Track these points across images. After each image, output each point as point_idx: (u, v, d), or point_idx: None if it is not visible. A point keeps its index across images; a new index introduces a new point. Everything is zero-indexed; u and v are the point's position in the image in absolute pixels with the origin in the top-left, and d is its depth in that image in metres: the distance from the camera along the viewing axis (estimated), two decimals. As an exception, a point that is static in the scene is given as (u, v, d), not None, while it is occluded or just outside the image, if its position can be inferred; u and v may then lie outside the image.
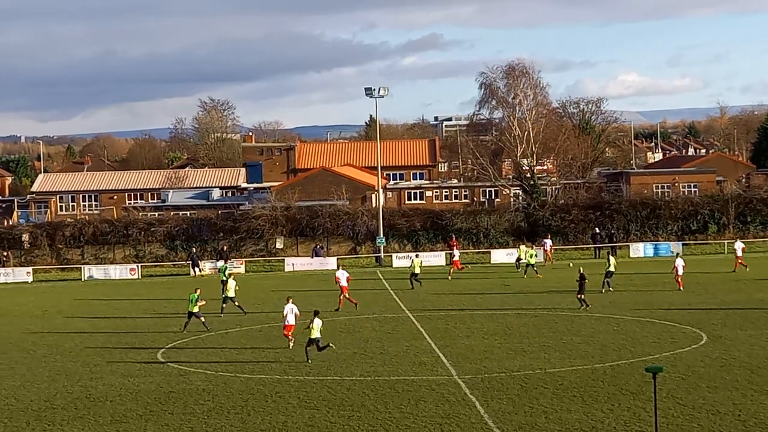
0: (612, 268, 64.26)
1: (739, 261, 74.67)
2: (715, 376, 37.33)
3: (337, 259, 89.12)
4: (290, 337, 46.95)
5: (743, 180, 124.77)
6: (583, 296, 56.13)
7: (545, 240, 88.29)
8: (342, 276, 61.61)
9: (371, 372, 40.57)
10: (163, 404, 36.08)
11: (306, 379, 39.60)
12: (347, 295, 60.46)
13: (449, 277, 75.27)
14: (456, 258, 79.95)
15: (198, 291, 53.36)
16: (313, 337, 43.37)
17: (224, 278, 65.41)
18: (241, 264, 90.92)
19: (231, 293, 59.34)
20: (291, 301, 48.49)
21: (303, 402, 35.57)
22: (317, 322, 43.72)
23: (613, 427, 30.68)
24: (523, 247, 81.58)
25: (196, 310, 52.33)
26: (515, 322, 52.47)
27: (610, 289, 63.14)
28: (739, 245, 77.33)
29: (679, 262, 64.34)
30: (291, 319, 47.29)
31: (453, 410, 33.46)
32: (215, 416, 33.96)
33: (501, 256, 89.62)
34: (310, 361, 42.96)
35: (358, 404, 34.88)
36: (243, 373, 41.31)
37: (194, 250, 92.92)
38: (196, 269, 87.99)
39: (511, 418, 32.10)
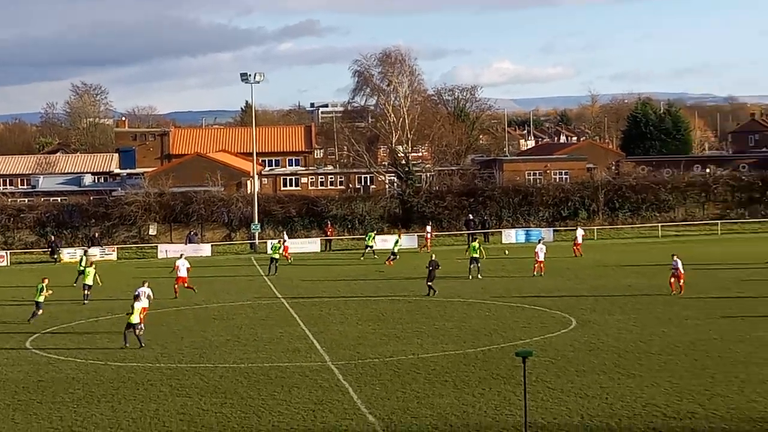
0: (476, 255, 64.60)
1: (577, 248, 76.29)
2: (584, 360, 38.01)
3: (182, 249, 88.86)
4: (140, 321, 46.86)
5: (613, 167, 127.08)
6: (431, 283, 56.53)
7: (427, 227, 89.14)
8: (182, 265, 61.33)
9: (244, 359, 40.42)
10: (31, 393, 35.45)
11: (178, 367, 39.28)
12: (186, 285, 60.16)
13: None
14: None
15: (46, 281, 52.57)
16: (132, 321, 43.49)
17: (80, 268, 64.68)
18: (113, 251, 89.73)
19: (89, 281, 58.68)
20: (146, 284, 49.42)
21: (175, 390, 35.28)
22: (138, 306, 44.11)
23: (484, 411, 31.05)
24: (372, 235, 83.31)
25: (41, 299, 51.37)
26: (389, 308, 52.72)
27: (479, 276, 63.60)
28: (579, 232, 79.37)
29: (540, 248, 65.28)
30: (145, 302, 47.59)
31: (326, 396, 33.52)
32: (85, 405, 33.48)
33: (376, 242, 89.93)
34: (127, 344, 43.21)
35: (231, 391, 34.72)
36: (114, 361, 40.81)
37: (52, 237, 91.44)
38: (57, 255, 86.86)
39: (383, 404, 32.27)
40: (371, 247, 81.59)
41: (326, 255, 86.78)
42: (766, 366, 35.68)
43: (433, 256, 58.36)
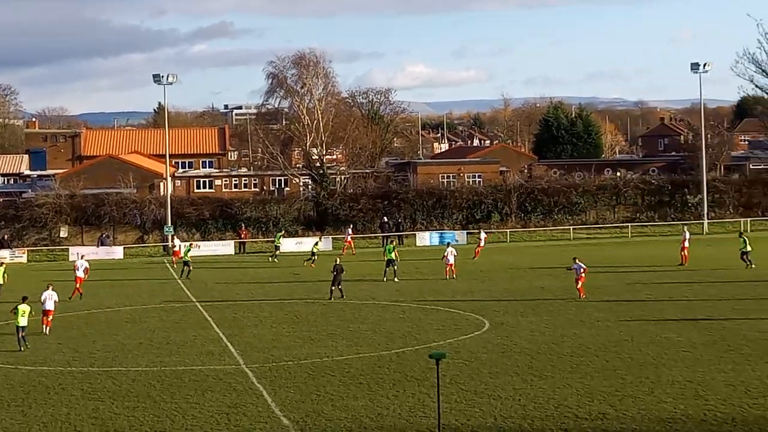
0: (393, 256, 64.71)
1: (479, 250, 77.21)
2: (497, 361, 38.32)
3: (79, 249, 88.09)
4: (47, 325, 47.16)
5: (525, 171, 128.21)
6: (334, 288, 56.32)
7: (347, 229, 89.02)
8: (80, 266, 61.13)
9: (157, 362, 40.11)
10: (-61, 398, 34.85)
11: (90, 371, 38.86)
12: (78, 286, 59.80)
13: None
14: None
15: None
16: (19, 324, 43.37)
17: None
18: (23, 253, 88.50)
19: None
20: (51, 287, 48.49)
21: (87, 393, 34.91)
22: (24, 308, 43.83)
23: (398, 413, 31.16)
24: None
25: None
26: (303, 311, 52.68)
27: (395, 279, 63.81)
28: (483, 235, 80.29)
29: (450, 251, 65.69)
30: (50, 305, 47.43)
31: (240, 399, 33.41)
32: (-5, 410, 33.01)
33: (290, 245, 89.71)
34: (23, 349, 43.04)
35: (144, 395, 34.44)
36: (24, 364, 40.26)
37: None
38: None
39: (298, 407, 32.24)
40: (278, 247, 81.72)
41: (240, 258, 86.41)
42: (675, 368, 36.27)
43: (338, 260, 58.33)
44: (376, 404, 32.24)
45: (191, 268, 69.34)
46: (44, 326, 47.23)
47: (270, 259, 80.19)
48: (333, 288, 56.32)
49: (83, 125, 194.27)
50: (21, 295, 55.74)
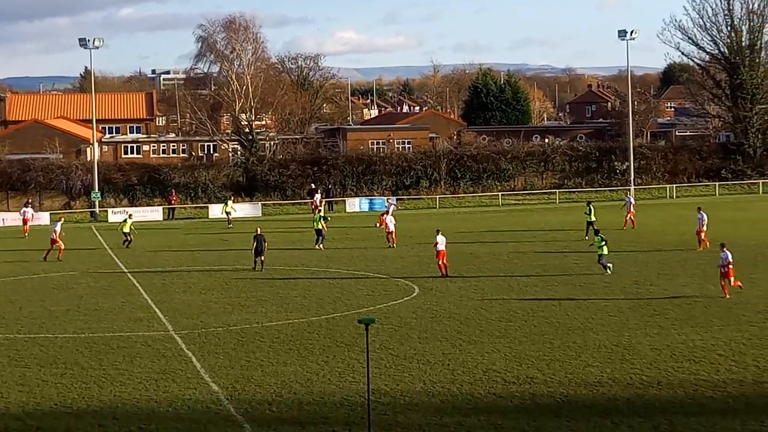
0: (319, 226, 63.98)
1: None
2: (427, 327, 38.53)
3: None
4: None
5: (455, 137, 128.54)
6: (257, 259, 54.75)
7: (316, 195, 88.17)
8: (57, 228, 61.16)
9: (85, 329, 39.83)
10: None
11: (16, 337, 38.50)
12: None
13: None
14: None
15: None
16: None
17: None
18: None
19: None
20: None
21: (13, 360, 34.60)
22: None
23: (327, 378, 31.25)
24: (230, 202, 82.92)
25: None
26: (233, 277, 52.53)
27: (319, 246, 62.94)
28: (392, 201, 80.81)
29: (390, 219, 65.10)
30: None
31: (169, 365, 33.30)
32: None
33: (219, 211, 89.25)
34: None
35: (72, 362, 34.20)
36: (-51, 332, 39.80)
37: None
38: None
39: (227, 372, 32.22)
40: (229, 213, 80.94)
41: (169, 223, 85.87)
42: (602, 332, 36.71)
43: (258, 230, 56.33)
44: (306, 370, 32.30)
45: (131, 239, 67.55)
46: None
47: (230, 225, 78.59)
48: (257, 259, 54.71)
49: (8, 89, 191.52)
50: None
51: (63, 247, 61.47)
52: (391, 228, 64.36)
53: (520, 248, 60.42)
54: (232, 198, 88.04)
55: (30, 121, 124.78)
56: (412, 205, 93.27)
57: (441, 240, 50.84)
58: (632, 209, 70.25)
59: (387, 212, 73.19)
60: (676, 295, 43.64)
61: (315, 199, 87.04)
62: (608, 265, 49.46)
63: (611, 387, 29.71)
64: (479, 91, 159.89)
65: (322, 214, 72.28)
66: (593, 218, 63.91)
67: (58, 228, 62.47)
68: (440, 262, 50.62)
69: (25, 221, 77.55)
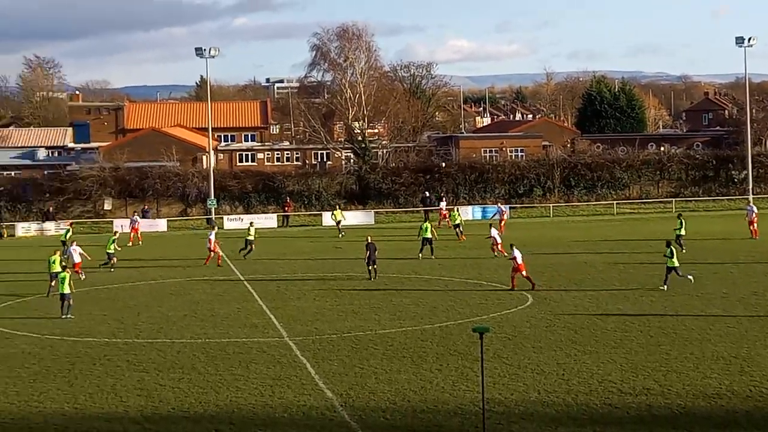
0: (428, 235, 63.68)
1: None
2: (541, 336, 38.24)
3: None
4: (80, 272, 55.24)
5: (568, 145, 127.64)
6: (372, 267, 54.06)
7: (441, 203, 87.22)
8: (74, 252, 59.53)
9: (201, 334, 40.33)
10: (-14, 368, 35.22)
11: (135, 342, 39.15)
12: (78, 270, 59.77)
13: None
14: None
15: (57, 253, 52.17)
16: (64, 291, 44.52)
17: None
18: (68, 225, 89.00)
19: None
20: (75, 243, 57.07)
21: (132, 365, 35.17)
22: (63, 275, 45.22)
23: (441, 386, 31.18)
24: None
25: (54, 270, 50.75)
26: (346, 284, 52.75)
27: (432, 256, 62.50)
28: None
29: (495, 233, 64.19)
30: (77, 258, 56.12)
31: (284, 372, 33.54)
32: (41, 380, 33.31)
33: (329, 219, 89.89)
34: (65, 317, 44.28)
35: (189, 366, 34.65)
36: (70, 336, 40.59)
37: None
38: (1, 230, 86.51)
39: (341, 379, 32.33)
40: (339, 222, 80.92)
41: (283, 231, 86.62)
42: (720, 343, 36.05)
43: (369, 238, 55.86)
44: (420, 378, 32.27)
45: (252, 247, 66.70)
46: (79, 273, 55.02)
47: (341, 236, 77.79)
48: (370, 268, 54.23)
49: (126, 98, 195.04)
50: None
51: (221, 254, 61.98)
52: (499, 240, 63.10)
53: (636, 258, 59.63)
54: (339, 207, 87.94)
55: (147, 130, 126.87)
56: (525, 214, 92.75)
57: (518, 254, 49.90)
58: (755, 218, 68.84)
59: (502, 219, 73.45)
60: (797, 307, 42.69)
61: (441, 207, 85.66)
62: (688, 276, 48.49)
63: (730, 399, 29.15)
64: (593, 99, 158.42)
65: (457, 221, 72.39)
66: (683, 232, 62.71)
67: (212, 237, 62.77)
68: (519, 275, 49.51)
69: (134, 229, 78.12)
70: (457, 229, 72.35)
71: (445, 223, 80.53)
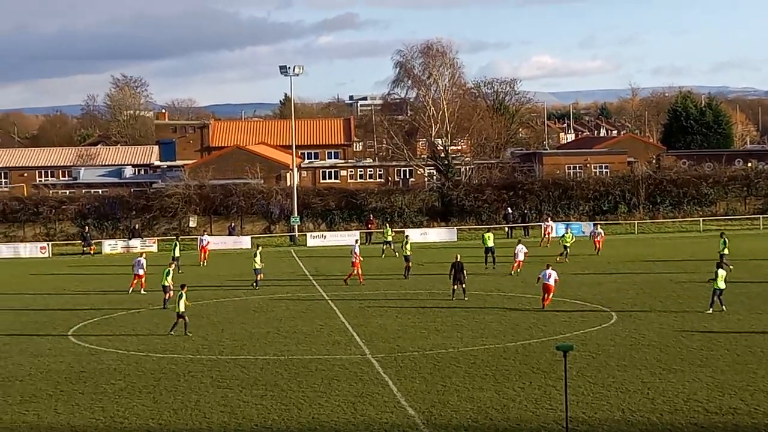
0: (491, 244, 63.64)
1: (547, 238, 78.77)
2: (625, 354, 37.84)
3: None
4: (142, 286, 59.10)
5: (654, 161, 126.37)
6: (456, 287, 53.41)
7: (548, 221, 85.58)
8: (137, 264, 60.73)
9: (284, 351, 40.51)
10: (73, 384, 35.67)
11: (219, 359, 39.43)
12: (133, 284, 60.36)
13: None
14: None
15: (172, 265, 54.82)
16: (180, 310, 44.44)
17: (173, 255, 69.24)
18: (154, 243, 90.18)
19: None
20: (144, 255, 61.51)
21: (216, 381, 35.42)
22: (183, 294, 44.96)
23: (524, 405, 30.97)
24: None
25: (167, 283, 52.38)
26: (429, 302, 52.68)
27: (493, 266, 62.57)
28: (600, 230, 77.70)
29: (520, 248, 63.09)
30: (139, 271, 59.56)
31: (366, 389, 33.55)
32: (126, 396, 33.68)
33: (415, 235, 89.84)
34: (181, 333, 44.24)
35: (272, 383, 34.81)
36: (155, 352, 41.01)
37: (86, 228, 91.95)
38: (89, 247, 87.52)
39: (423, 397, 32.26)
40: (389, 242, 79.35)
41: (365, 248, 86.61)
42: (809, 362, 35.41)
43: (458, 257, 54.90)
44: (502, 396, 32.09)
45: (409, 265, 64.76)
46: (140, 287, 58.71)
47: (383, 256, 77.12)
48: (455, 287, 53.38)
49: (211, 117, 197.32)
50: (151, 285, 57.11)
51: (360, 272, 61.22)
52: (521, 257, 62.51)
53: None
54: (389, 225, 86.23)
55: (232, 147, 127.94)
56: (610, 231, 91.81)
57: (546, 274, 49.58)
58: None
59: (597, 238, 72.71)
60: None
61: (546, 227, 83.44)
62: (719, 301, 46.73)
63: (820, 420, 28.59)
64: (679, 115, 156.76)
65: (567, 242, 70.00)
66: (726, 251, 61.23)
67: (357, 250, 62.76)
68: (546, 296, 49.28)
69: (203, 249, 77.69)
70: (566, 250, 69.48)
71: (545, 241, 79.82)
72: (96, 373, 37.40)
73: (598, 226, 79.48)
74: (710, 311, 46.35)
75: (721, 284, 46.63)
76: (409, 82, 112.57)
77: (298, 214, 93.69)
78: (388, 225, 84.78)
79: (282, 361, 38.62)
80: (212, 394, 33.59)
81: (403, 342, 41.60)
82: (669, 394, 31.68)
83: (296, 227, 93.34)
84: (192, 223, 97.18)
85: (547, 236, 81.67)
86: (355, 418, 30.18)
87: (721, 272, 47.10)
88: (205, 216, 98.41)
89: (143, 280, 59.75)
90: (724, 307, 46.41)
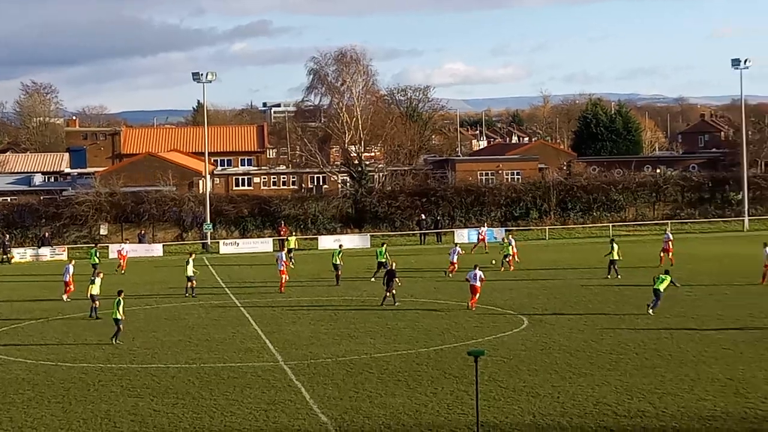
0: (383, 259, 63.53)
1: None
2: (536, 359, 38.20)
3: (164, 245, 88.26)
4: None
5: (564, 167, 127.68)
6: (388, 294, 53.64)
7: (482, 227, 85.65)
8: (66, 271, 59.86)
9: (196, 359, 40.27)
10: (-20, 395, 35.12)
11: (129, 368, 39.07)
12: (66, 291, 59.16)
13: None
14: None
15: (100, 275, 53.49)
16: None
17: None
18: (63, 251, 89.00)
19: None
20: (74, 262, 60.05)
21: (126, 390, 35.09)
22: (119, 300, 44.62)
23: (436, 410, 31.12)
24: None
25: (94, 292, 51.25)
26: (342, 308, 52.70)
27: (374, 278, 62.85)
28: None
29: (454, 250, 65.93)
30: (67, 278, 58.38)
31: (279, 396, 33.48)
32: (35, 406, 33.23)
33: (328, 242, 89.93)
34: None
35: (183, 392, 34.58)
36: (64, 361, 40.52)
37: (6, 236, 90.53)
38: (8, 255, 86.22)
39: (336, 404, 32.27)
40: (291, 250, 76.74)
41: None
42: (715, 364, 36.03)
43: (393, 264, 55.56)
44: (414, 401, 32.22)
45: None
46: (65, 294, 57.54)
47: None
48: (387, 294, 53.28)
49: (123, 123, 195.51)
50: (58, 294, 56.40)
51: (286, 279, 60.83)
52: (453, 259, 64.75)
53: (631, 280, 59.65)
54: (293, 233, 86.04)
55: (144, 155, 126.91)
56: (522, 236, 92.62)
57: (473, 275, 50.97)
58: (670, 246, 66.80)
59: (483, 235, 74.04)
60: (792, 328, 42.66)
61: (482, 231, 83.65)
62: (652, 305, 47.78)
63: (725, 421, 29.10)
64: (589, 122, 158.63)
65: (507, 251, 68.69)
66: (616, 257, 61.45)
67: (284, 258, 62.28)
68: (473, 296, 50.65)
69: (122, 257, 76.57)
70: (505, 260, 68.21)
71: (481, 246, 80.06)
72: (4, 383, 36.84)
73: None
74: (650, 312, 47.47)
75: (662, 287, 47.38)
76: (323, 89, 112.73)
77: (210, 222, 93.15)
78: (291, 232, 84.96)
79: (194, 369, 38.38)
80: (123, 403, 33.28)
81: (316, 349, 41.58)
82: (579, 398, 32.04)
83: (209, 234, 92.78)
84: (103, 231, 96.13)
85: (481, 242, 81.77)
86: (268, 426, 30.10)
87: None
88: (117, 224, 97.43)
89: (70, 287, 58.75)
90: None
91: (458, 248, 67.04)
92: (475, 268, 51.54)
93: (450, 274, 64.11)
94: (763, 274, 56.28)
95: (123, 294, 45.67)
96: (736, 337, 41.16)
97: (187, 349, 42.46)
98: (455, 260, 64.79)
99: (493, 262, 67.00)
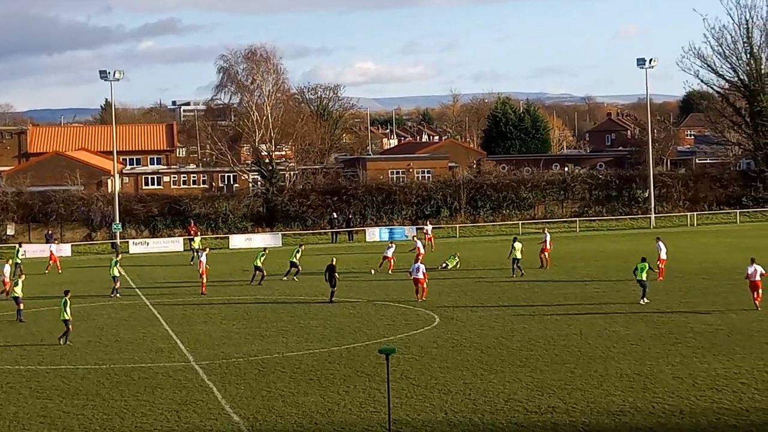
0: (295, 260, 63.50)
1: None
2: (447, 356, 38.43)
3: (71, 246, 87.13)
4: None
5: (474, 166, 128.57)
6: (335, 290, 54.36)
7: (426, 226, 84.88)
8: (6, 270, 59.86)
9: (106, 360, 39.88)
10: None
11: (38, 369, 38.58)
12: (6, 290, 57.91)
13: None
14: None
15: (23, 276, 52.70)
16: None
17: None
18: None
19: None
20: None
21: (35, 392, 34.65)
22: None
23: (348, 408, 31.19)
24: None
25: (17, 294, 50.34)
26: (254, 308, 52.55)
27: (295, 278, 62.67)
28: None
29: (390, 248, 67.12)
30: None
31: (190, 396, 33.29)
32: (-59, 409, 32.68)
33: (240, 241, 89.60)
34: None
35: (93, 393, 34.24)
36: (-29, 364, 39.90)
37: None
38: None
39: (248, 403, 32.19)
40: (196, 249, 75.40)
41: (189, 254, 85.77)
42: (624, 360, 36.56)
43: (334, 260, 54.87)
44: (327, 400, 32.25)
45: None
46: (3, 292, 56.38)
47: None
48: (334, 290, 53.43)
49: (29, 122, 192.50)
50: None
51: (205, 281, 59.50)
52: (389, 254, 66.37)
53: (541, 277, 60.31)
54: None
55: (51, 154, 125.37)
56: (433, 234, 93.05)
57: (415, 268, 53.17)
58: (548, 246, 66.54)
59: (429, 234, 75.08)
60: (697, 324, 43.44)
61: (428, 230, 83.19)
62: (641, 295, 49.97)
63: (633, 416, 29.56)
64: (498, 120, 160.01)
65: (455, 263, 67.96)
66: (518, 255, 61.27)
67: (203, 259, 60.73)
68: (418, 287, 52.69)
69: (53, 258, 75.60)
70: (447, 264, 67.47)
71: (429, 246, 79.20)
72: None
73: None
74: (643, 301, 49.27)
75: (643, 275, 49.72)
76: (233, 87, 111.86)
77: (119, 221, 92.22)
78: (198, 232, 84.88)
79: (103, 370, 38.02)
80: (31, 405, 32.86)
81: (228, 348, 41.42)
82: (490, 395, 32.31)
83: (118, 234, 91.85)
84: (10, 231, 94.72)
85: (428, 240, 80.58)
86: (179, 426, 29.94)
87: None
88: (24, 223, 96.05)
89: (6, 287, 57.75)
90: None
91: (394, 246, 67.97)
92: (416, 261, 54.01)
93: (390, 271, 65.12)
94: (659, 269, 57.33)
95: (69, 294, 45.02)
96: (643, 333, 41.80)
97: (96, 350, 42.05)
98: (390, 255, 66.05)
99: (373, 272, 66.32)
